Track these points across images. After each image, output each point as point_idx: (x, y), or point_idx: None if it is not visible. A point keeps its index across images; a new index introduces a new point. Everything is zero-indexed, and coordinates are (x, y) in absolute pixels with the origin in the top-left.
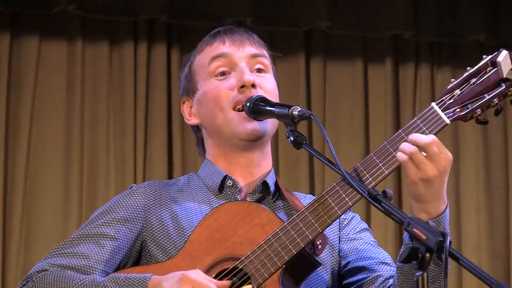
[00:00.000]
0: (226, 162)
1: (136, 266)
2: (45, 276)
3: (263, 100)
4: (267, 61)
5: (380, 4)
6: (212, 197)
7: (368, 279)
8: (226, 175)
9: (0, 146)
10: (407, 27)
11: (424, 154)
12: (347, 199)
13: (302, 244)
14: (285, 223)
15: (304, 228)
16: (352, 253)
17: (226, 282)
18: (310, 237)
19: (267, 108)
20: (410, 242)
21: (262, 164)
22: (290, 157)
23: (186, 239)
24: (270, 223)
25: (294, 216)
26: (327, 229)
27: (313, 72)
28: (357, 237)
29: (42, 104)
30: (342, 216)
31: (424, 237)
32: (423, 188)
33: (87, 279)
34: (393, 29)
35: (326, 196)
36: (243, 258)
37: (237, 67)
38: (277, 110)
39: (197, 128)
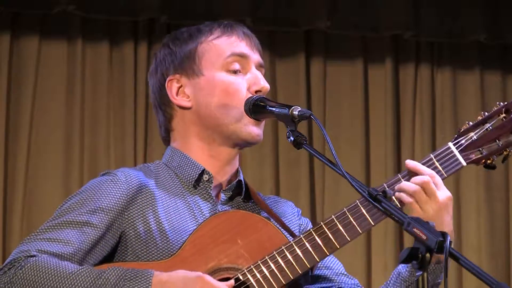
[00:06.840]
0: (207, 155)
1: (127, 262)
2: (38, 262)
3: (263, 100)
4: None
5: (380, 4)
6: (185, 191)
7: None
8: (204, 169)
9: (0, 146)
10: (407, 27)
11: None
12: (356, 224)
13: (308, 265)
14: (291, 242)
15: (311, 249)
16: None
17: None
18: (317, 259)
19: (267, 108)
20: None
21: (235, 163)
22: (290, 157)
23: (168, 242)
24: (275, 237)
25: (301, 236)
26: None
27: (313, 72)
28: None
29: (42, 104)
30: (311, 226)
31: (424, 237)
32: None
33: (83, 269)
34: (393, 29)
35: (336, 221)
36: (245, 270)
37: (250, 69)
38: (277, 110)
39: (173, 109)
